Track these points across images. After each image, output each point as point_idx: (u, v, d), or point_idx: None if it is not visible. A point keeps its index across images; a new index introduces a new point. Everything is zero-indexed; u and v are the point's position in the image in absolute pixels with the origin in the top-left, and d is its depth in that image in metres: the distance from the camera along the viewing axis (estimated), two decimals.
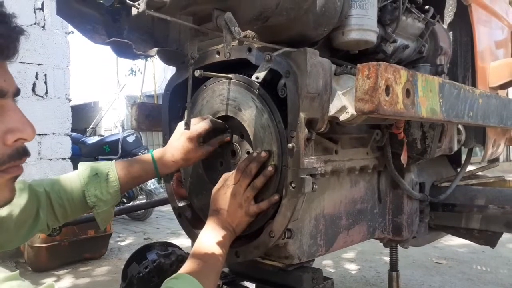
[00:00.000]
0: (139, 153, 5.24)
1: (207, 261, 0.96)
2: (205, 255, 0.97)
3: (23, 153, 0.71)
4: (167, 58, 1.27)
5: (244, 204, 1.04)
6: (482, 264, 3.34)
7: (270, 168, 1.03)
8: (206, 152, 1.16)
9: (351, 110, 0.99)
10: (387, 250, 1.92)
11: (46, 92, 3.93)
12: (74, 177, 1.11)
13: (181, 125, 1.14)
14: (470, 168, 1.77)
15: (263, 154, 1.04)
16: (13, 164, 0.69)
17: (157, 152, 1.17)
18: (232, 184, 1.05)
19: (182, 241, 3.56)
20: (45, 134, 3.89)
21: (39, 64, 3.88)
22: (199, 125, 1.13)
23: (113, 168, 1.12)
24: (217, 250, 0.98)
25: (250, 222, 1.07)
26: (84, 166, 1.13)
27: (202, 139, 1.15)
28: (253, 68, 1.05)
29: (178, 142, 1.14)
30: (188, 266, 0.94)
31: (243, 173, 1.04)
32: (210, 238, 1.00)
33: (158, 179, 1.13)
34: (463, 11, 1.51)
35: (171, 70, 1.34)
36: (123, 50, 1.19)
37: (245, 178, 1.04)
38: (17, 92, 0.71)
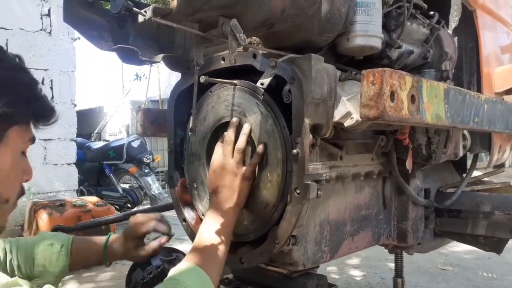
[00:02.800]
0: (144, 158, 5.27)
1: (211, 246, 0.97)
2: (209, 239, 0.99)
3: (22, 192, 0.89)
4: (172, 64, 1.28)
5: (237, 170, 1.04)
6: (488, 270, 3.31)
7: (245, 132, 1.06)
8: (145, 255, 1.22)
9: (355, 116, 0.99)
10: (392, 256, 1.90)
11: (52, 98, 3.96)
12: (31, 243, 1.17)
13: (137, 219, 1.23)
14: (475, 174, 1.76)
15: (234, 119, 1.08)
16: (16, 200, 0.87)
17: (112, 238, 1.24)
18: (219, 159, 1.07)
19: (186, 246, 3.55)
20: (50, 139, 3.91)
21: (45, 70, 3.92)
22: (147, 226, 1.21)
23: (68, 244, 1.18)
24: (222, 232, 1.00)
25: (250, 186, 1.07)
26: (43, 236, 1.20)
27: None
28: (258, 74, 1.05)
29: (125, 238, 1.22)
30: (193, 253, 0.97)
31: (224, 142, 1.07)
32: (214, 221, 1.02)
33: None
34: (468, 17, 1.50)
35: (175, 76, 1.35)
36: (129, 56, 1.20)
37: (226, 146, 1.06)
38: (33, 141, 0.89)
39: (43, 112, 0.86)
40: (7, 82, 0.80)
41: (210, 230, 1.01)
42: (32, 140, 0.88)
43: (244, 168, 1.05)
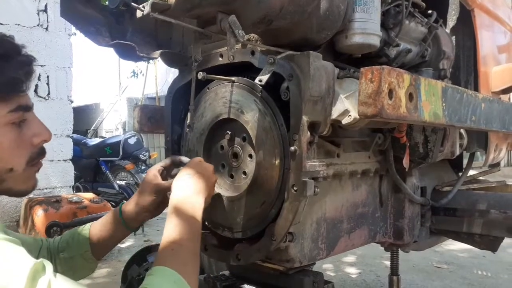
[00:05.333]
0: (140, 155, 5.25)
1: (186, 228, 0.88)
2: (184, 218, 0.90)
3: (43, 152, 0.93)
4: (170, 60, 1.28)
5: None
6: (483, 269, 3.33)
7: None
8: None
9: (353, 114, 0.99)
10: (388, 254, 1.91)
11: (49, 94, 3.94)
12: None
13: (150, 173, 1.09)
14: (471, 172, 1.76)
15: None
16: (37, 160, 0.91)
17: (126, 206, 1.11)
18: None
19: None
20: None
21: (41, 66, 3.89)
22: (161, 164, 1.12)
23: (87, 227, 1.14)
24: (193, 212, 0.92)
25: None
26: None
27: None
28: (256, 71, 1.05)
29: (146, 196, 1.08)
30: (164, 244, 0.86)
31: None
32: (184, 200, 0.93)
33: (133, 232, 1.13)
34: (466, 16, 1.51)
35: (172, 73, 1.35)
36: (126, 52, 1.19)
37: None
38: (32, 106, 0.92)
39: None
40: None
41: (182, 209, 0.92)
42: (20, 107, 0.86)
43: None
